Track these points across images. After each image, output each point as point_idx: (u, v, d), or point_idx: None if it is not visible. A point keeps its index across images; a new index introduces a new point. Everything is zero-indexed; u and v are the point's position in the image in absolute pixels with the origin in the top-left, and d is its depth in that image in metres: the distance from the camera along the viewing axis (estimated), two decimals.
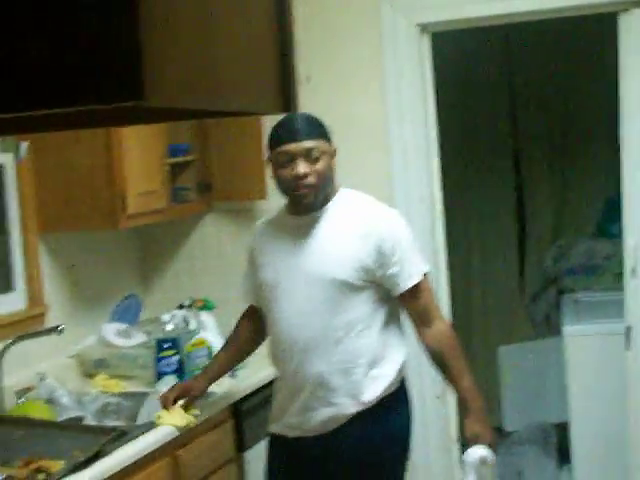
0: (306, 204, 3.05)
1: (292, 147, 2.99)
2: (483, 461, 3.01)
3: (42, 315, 3.82)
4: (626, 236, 4.06)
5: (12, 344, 3.46)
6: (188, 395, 3.31)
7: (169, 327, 3.89)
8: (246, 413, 3.76)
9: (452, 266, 5.68)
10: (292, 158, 2.99)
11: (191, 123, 4.21)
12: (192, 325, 3.92)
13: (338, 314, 3.01)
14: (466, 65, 5.82)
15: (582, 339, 4.46)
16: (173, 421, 3.25)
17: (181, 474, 3.31)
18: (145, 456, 3.11)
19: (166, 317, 3.92)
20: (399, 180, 4.14)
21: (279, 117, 3.06)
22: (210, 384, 3.37)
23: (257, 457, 3.76)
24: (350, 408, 3.05)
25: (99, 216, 3.73)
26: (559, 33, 5.39)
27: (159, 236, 4.50)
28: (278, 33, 1.11)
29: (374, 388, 3.06)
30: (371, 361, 3.05)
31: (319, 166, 3.00)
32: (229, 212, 4.40)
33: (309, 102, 4.15)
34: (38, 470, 2.80)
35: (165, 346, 3.80)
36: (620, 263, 4.12)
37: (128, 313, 4.21)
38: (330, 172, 3.06)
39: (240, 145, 4.20)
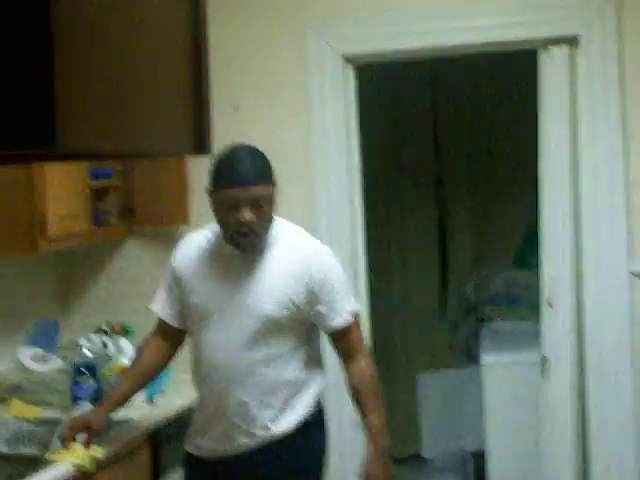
0: (248, 251, 3.03)
1: (238, 193, 2.94)
2: None
3: None
4: (543, 267, 4.14)
5: None
6: (88, 431, 3.18)
7: (86, 352, 3.86)
8: (164, 441, 3.73)
9: (374, 293, 5.75)
10: (237, 203, 2.94)
11: None
12: (110, 350, 3.89)
13: (262, 348, 3.04)
14: (392, 95, 5.90)
15: (499, 368, 4.53)
16: (72, 459, 3.11)
17: None
18: None
19: (83, 341, 3.89)
20: (322, 210, 4.17)
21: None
22: (109, 414, 3.28)
23: None
24: (266, 438, 3.08)
25: (18, 240, 3.68)
26: (488, 65, 5.49)
27: (79, 259, 4.46)
28: (195, 76, 1.13)
29: (291, 418, 3.09)
30: (290, 393, 3.09)
31: (265, 213, 2.98)
32: (151, 236, 4.39)
33: (237, 130, 4.20)
34: None
35: (82, 370, 3.77)
36: (538, 293, 4.19)
37: (45, 337, 4.16)
38: (272, 215, 3.04)
39: (163, 170, 4.20)
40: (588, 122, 3.93)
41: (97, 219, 4.15)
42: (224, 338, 3.06)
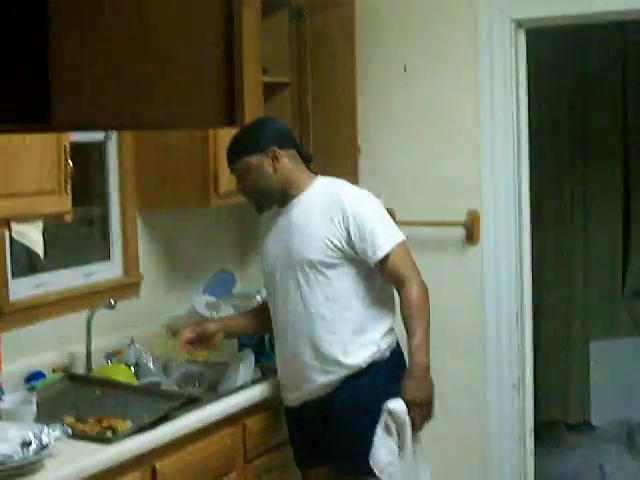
0: (257, 210, 3.49)
1: (230, 170, 3.47)
2: (391, 412, 3.20)
3: (137, 284, 4.07)
4: None
5: (93, 313, 3.67)
6: (203, 334, 3.57)
7: (254, 302, 4.07)
8: None
9: (555, 255, 5.71)
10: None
11: (291, 109, 4.38)
12: None
13: (320, 291, 3.31)
14: (581, 61, 5.81)
15: None
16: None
17: (248, 443, 3.50)
18: (211, 423, 3.31)
19: (252, 292, 4.10)
20: (486, 172, 4.21)
21: None
22: (222, 332, 3.63)
23: None
24: (341, 372, 3.32)
25: (193, 195, 3.95)
26: None
27: (256, 215, 4.67)
28: (226, 42, 1.17)
29: (360, 353, 3.31)
30: (355, 330, 3.32)
31: (248, 182, 3.40)
32: None
33: (404, 91, 4.32)
34: (107, 428, 3.03)
35: None
36: None
37: (221, 287, 4.40)
38: (264, 179, 3.37)
39: (336, 130, 4.33)
40: None
41: None
42: (284, 291, 3.38)
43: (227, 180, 3.91)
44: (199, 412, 3.30)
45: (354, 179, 4.35)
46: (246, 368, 3.73)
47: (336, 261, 3.30)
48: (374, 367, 3.33)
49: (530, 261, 4.31)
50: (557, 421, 5.90)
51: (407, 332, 3.29)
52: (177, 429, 3.16)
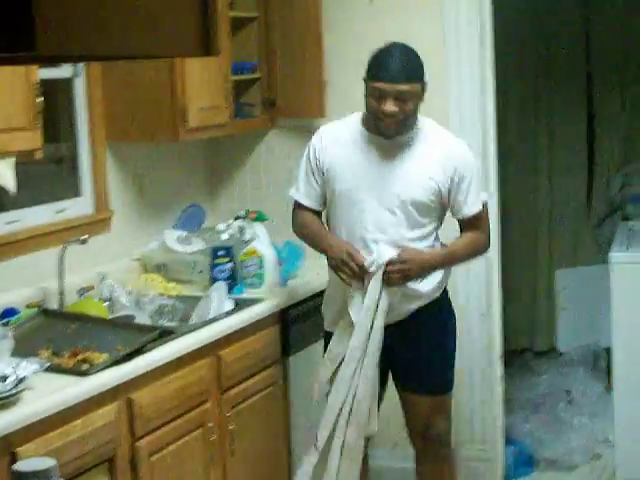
0: (387, 135, 3.35)
1: (384, 87, 3.26)
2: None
3: (108, 219, 4.08)
4: None
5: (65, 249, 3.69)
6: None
7: (224, 236, 4.11)
8: (293, 320, 3.98)
9: (521, 186, 5.79)
10: (383, 95, 3.26)
11: (258, 41, 4.39)
12: (247, 235, 4.12)
13: (412, 227, 3.39)
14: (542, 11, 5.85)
15: (627, 266, 4.51)
16: None
17: (222, 374, 3.55)
18: (186, 355, 3.36)
19: (222, 226, 4.14)
20: (451, 102, 4.24)
21: None
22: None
23: (302, 362, 4.01)
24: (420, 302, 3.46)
25: (161, 128, 3.95)
26: None
27: (225, 150, 4.70)
28: None
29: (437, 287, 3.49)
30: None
31: (407, 107, 3.29)
32: (292, 128, 4.58)
33: (370, 23, 4.33)
34: (83, 361, 3.08)
35: (220, 254, 4.04)
36: None
37: (191, 221, 4.43)
38: (417, 109, 3.34)
39: (302, 64, 4.36)
40: None
41: (239, 111, 4.38)
42: (373, 219, 3.37)
43: (196, 114, 3.93)
44: (174, 344, 3.35)
45: (320, 112, 4.38)
46: (219, 300, 3.77)
47: (432, 205, 3.40)
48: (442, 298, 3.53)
49: (497, 196, 4.37)
50: (524, 349, 6.03)
51: (455, 242, 3.50)
52: (152, 361, 3.20)
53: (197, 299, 3.88)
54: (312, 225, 3.56)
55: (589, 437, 4.94)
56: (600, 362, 5.35)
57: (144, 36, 1.11)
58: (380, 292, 3.30)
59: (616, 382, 4.59)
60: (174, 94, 3.88)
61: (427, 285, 3.44)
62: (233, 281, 4.03)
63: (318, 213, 3.59)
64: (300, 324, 4.02)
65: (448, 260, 3.49)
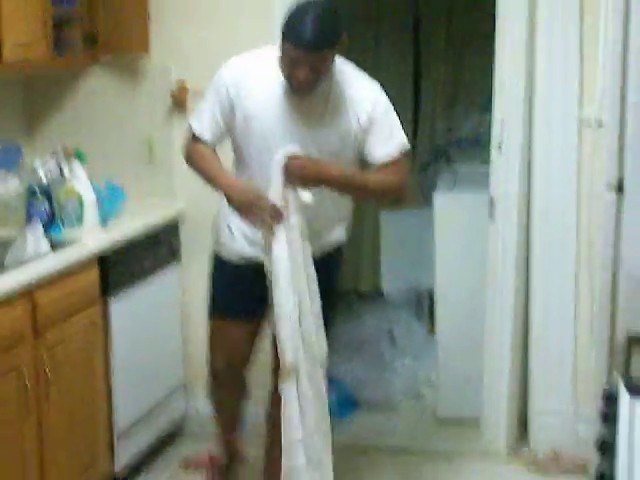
0: (301, 94, 3.24)
1: (296, 54, 3.11)
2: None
3: None
4: (495, 111, 4.19)
5: None
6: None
7: (41, 174, 3.95)
8: (113, 262, 3.89)
9: None
10: (296, 62, 3.12)
11: None
12: (65, 174, 3.98)
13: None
14: None
15: (451, 208, 4.60)
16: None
17: (38, 316, 3.43)
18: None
19: (39, 164, 3.98)
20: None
21: None
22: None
23: (124, 303, 3.94)
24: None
25: None
26: None
27: (45, 86, 4.53)
28: None
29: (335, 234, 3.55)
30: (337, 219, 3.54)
31: (321, 70, 3.17)
32: (114, 65, 4.44)
33: None
34: None
35: (35, 192, 3.90)
36: None
37: (7, 160, 4.24)
38: (331, 66, 3.22)
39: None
40: None
41: (59, 46, 4.20)
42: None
43: (12, 49, 3.75)
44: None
45: (144, 47, 4.27)
46: (35, 241, 3.65)
47: (348, 152, 3.34)
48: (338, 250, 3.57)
49: None
50: (349, 290, 6.10)
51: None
52: None
53: (12, 239, 3.74)
54: (212, 160, 3.42)
55: (411, 378, 5.05)
56: (423, 304, 5.45)
57: None
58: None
59: (438, 324, 4.70)
60: None
61: (337, 233, 3.52)
62: (51, 221, 3.90)
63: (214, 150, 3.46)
64: (120, 265, 3.93)
65: (347, 179, 3.31)
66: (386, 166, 3.33)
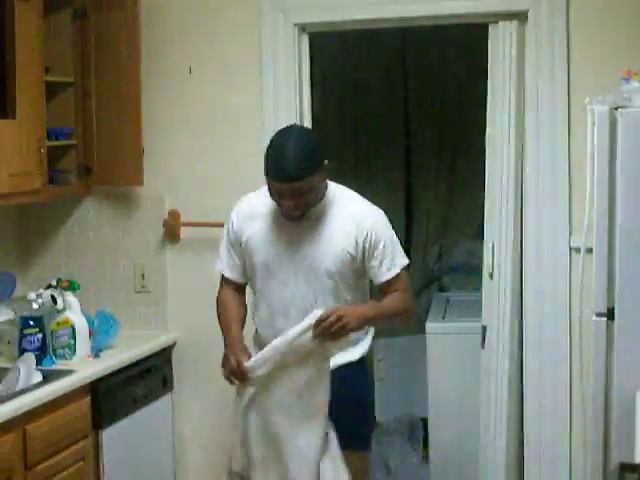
0: (295, 219, 3.36)
1: (279, 187, 3.25)
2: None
3: None
4: (486, 239, 4.23)
5: None
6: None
7: (35, 305, 3.96)
8: (105, 392, 3.87)
9: None
10: (280, 193, 3.26)
11: (74, 108, 4.31)
12: (59, 304, 4.00)
13: (326, 299, 3.36)
14: (361, 65, 6.00)
15: (442, 336, 4.61)
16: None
17: (29, 449, 3.39)
18: None
19: (32, 295, 3.99)
20: None
21: None
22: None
23: (116, 435, 3.90)
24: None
25: None
26: (453, 38, 5.55)
27: (39, 216, 4.58)
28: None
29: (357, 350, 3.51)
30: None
31: (307, 197, 3.28)
32: (107, 196, 4.50)
33: (190, 92, 4.35)
34: None
35: (29, 323, 3.90)
36: None
37: (0, 289, 4.27)
38: (321, 192, 3.34)
39: (120, 130, 4.29)
40: (532, 92, 4.02)
41: (54, 178, 4.27)
42: (290, 291, 3.39)
43: (6, 180, 3.80)
44: None
45: (138, 180, 4.32)
46: (27, 372, 3.64)
47: (347, 274, 3.39)
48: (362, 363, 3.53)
49: None
50: None
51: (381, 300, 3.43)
52: None
53: (5, 371, 3.72)
54: (229, 312, 3.55)
55: None
56: (417, 432, 5.39)
57: None
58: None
59: (432, 451, 4.65)
60: None
61: (360, 350, 3.50)
62: (43, 352, 3.89)
63: (243, 286, 3.59)
64: (112, 396, 3.91)
65: (379, 312, 3.40)
66: (390, 284, 3.42)
